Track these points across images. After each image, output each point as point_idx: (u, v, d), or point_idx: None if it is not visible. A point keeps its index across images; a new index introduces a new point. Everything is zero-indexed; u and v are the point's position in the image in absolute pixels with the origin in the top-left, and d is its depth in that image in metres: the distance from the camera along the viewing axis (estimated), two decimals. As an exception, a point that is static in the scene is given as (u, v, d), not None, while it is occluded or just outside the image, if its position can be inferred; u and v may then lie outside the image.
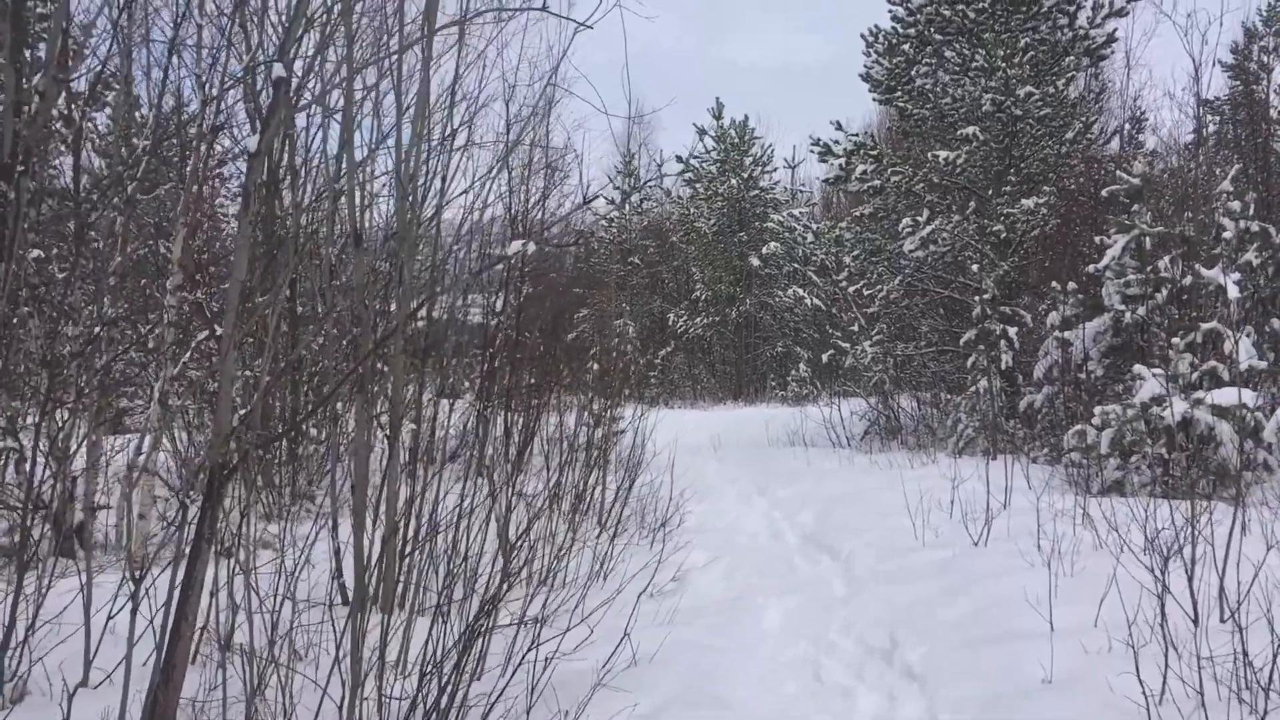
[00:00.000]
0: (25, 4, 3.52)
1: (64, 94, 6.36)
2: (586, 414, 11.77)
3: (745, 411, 24.47)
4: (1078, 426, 10.89)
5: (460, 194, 18.01)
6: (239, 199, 14.76)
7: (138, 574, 4.53)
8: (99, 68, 7.79)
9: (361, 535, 6.59)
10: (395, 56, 6.65)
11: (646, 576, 6.84)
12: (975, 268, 15.80)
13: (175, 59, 8.02)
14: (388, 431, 6.91)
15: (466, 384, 16.31)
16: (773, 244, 32.09)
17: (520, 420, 15.08)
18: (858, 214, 18.92)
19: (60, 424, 7.13)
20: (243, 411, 4.41)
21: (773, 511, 10.89)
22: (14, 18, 3.54)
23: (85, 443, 8.64)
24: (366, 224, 11.91)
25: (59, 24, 3.94)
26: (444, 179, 9.07)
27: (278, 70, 4.63)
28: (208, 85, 8.19)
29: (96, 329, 7.69)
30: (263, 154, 4.60)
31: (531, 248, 4.69)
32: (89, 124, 10.31)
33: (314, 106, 10.54)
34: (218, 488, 4.38)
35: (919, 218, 16.72)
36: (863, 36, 18.04)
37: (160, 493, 8.61)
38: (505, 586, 5.66)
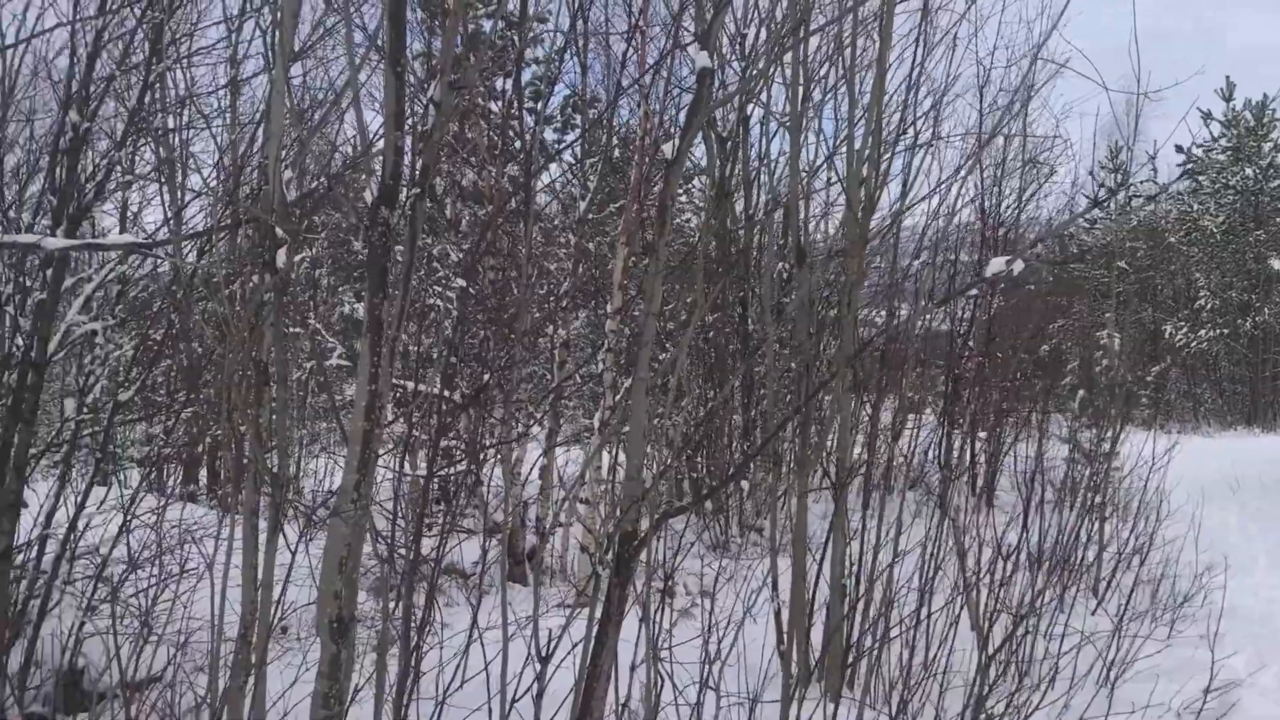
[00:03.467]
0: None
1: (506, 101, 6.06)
2: (1071, 445, 10.05)
3: (1265, 441, 20.67)
4: None
5: (921, 199, 16.59)
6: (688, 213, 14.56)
7: (544, 652, 3.95)
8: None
9: (802, 596, 5.71)
10: (848, 40, 5.69)
11: (1169, 683, 5.29)
12: None
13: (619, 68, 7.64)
14: (828, 466, 6.00)
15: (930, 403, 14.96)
16: (1299, 242, 27.27)
17: (988, 445, 13.58)
18: None
19: (512, 447, 6.99)
20: (656, 471, 3.70)
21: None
22: (393, 14, 2.98)
23: (536, 467, 8.61)
24: (818, 235, 11.10)
25: (457, 19, 3.37)
26: (904, 182, 7.98)
27: (701, 60, 3.86)
28: (653, 95, 7.76)
29: (549, 352, 7.59)
30: (681, 162, 3.85)
31: (1019, 266, 3.54)
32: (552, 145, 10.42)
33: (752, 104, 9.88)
34: (627, 560, 3.67)
35: None
36: None
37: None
38: (984, 688, 4.51)
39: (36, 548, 5.74)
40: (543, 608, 5.82)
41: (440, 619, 4.32)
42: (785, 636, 5.61)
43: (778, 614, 5.74)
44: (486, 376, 5.09)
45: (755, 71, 6.69)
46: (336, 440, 16.23)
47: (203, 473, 12.93)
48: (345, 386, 12.29)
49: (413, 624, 3.86)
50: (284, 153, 4.17)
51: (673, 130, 9.48)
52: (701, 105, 3.78)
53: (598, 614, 3.98)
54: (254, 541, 4.09)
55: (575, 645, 3.86)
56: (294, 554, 3.98)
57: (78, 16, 5.41)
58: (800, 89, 5.85)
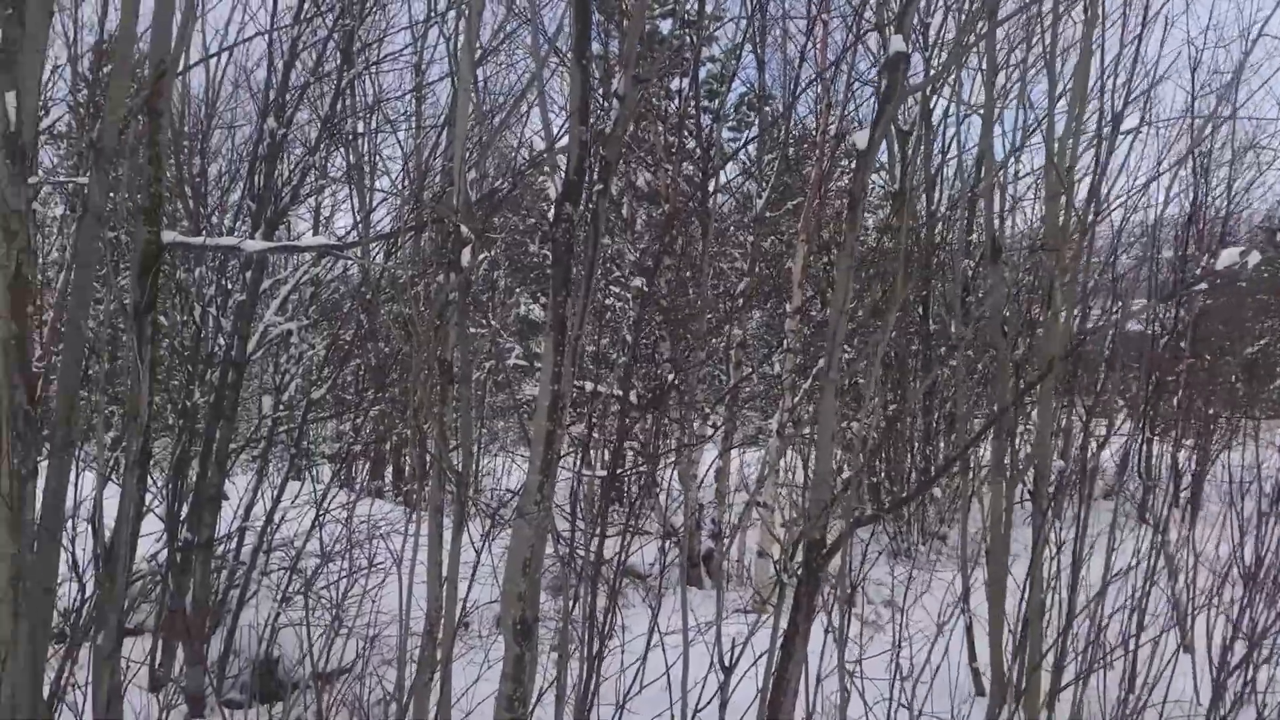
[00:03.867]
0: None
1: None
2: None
3: None
4: None
5: (1137, 190, 15.56)
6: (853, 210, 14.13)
7: (727, 661, 3.82)
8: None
9: (1000, 613, 5.39)
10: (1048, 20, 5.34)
11: None
12: None
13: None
14: (1024, 471, 5.65)
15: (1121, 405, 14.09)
16: None
17: (1194, 453, 12.66)
18: None
19: (687, 447, 6.90)
20: (845, 476, 3.53)
21: None
22: (579, 9, 2.91)
23: (711, 469, 8.49)
24: (1008, 231, 10.57)
25: (642, 8, 3.27)
26: (1106, 172, 7.47)
27: (895, 44, 3.66)
28: (834, 88, 7.53)
29: (725, 352, 7.47)
30: (874, 152, 3.66)
31: (1254, 258, 3.20)
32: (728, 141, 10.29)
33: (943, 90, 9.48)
34: (815, 569, 3.51)
35: None
36: None
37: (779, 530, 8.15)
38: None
39: (236, 539, 5.99)
40: (722, 613, 5.70)
41: (621, 621, 4.25)
42: (980, 654, 5.31)
43: (969, 629, 5.45)
44: (671, 377, 4.99)
45: (943, 59, 6.39)
46: (513, 439, 16.55)
47: (388, 469, 13.38)
48: (522, 386, 12.47)
49: (595, 627, 3.80)
50: (468, 154, 4.18)
51: (852, 125, 9.20)
52: (896, 92, 3.58)
53: (782, 623, 3.83)
54: (438, 539, 4.12)
55: (760, 656, 3.72)
56: (479, 554, 3.98)
57: (275, 26, 5.62)
58: (994, 75, 5.53)
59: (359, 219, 8.41)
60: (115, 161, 4.89)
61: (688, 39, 9.34)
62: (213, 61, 6.32)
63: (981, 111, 6.96)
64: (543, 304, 16.71)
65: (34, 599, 4.15)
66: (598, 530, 4.05)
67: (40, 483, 4.24)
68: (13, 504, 3.86)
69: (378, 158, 10.67)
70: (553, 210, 3.24)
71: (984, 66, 5.68)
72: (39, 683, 4.21)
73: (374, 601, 5.04)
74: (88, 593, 4.98)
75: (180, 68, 4.58)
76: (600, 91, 7.94)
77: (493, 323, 9.91)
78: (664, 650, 4.28)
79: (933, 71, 7.77)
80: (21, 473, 4.01)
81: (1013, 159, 9.45)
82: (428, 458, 4.06)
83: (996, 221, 5.54)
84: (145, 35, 4.48)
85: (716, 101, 10.94)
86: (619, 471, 8.07)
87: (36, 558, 4.17)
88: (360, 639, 5.03)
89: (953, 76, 8.50)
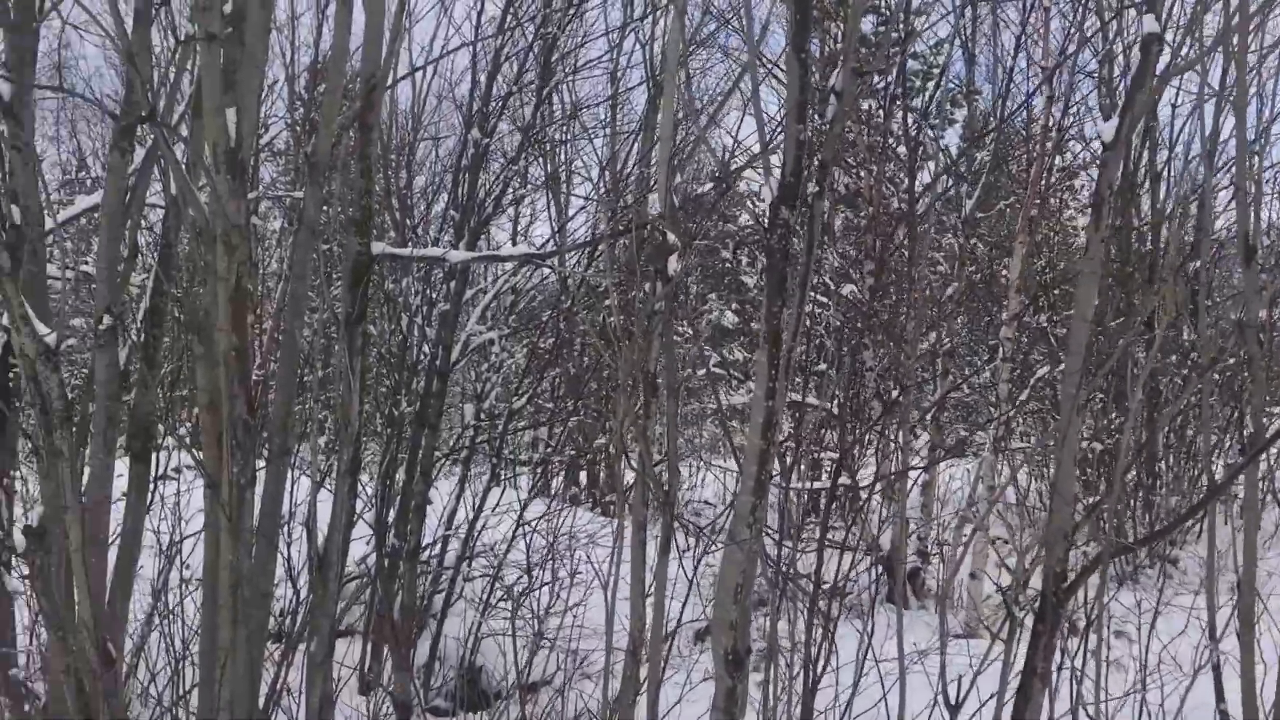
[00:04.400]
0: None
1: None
2: None
3: None
4: None
5: None
6: (1089, 210, 13.33)
7: (954, 699, 3.53)
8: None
9: (1252, 652, 4.85)
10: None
11: None
12: None
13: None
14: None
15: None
16: None
17: None
18: None
19: (895, 462, 6.59)
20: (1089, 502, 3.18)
21: None
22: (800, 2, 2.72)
23: (918, 483, 8.11)
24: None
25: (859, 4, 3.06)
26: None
27: (1147, 24, 3.30)
28: (1058, 80, 7.05)
29: (933, 361, 7.10)
30: (1121, 145, 3.31)
31: None
32: (931, 140, 9.84)
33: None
34: (1055, 605, 3.19)
35: None
36: None
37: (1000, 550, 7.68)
38: None
39: (439, 547, 6.06)
40: (931, 634, 5.37)
41: (834, 647, 4.01)
42: (1229, 695, 4.80)
43: (1217, 669, 4.93)
44: (895, 393, 4.71)
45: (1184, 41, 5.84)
46: (703, 445, 16.45)
47: (582, 475, 13.47)
48: (720, 393, 12.30)
49: (809, 655, 3.58)
50: (673, 159, 4.04)
51: (1068, 119, 8.63)
52: (1148, 77, 3.22)
53: (1013, 659, 3.51)
54: (641, 556, 3.98)
55: (989, 698, 3.42)
56: (693, 575, 3.83)
57: (478, 37, 5.66)
58: (1245, 57, 5.00)
59: (556, 227, 8.44)
60: (328, 175, 5.01)
61: (894, 34, 8.98)
62: (418, 75, 6.45)
63: (1226, 99, 6.35)
64: (735, 309, 16.53)
65: (251, 605, 4.27)
66: (802, 548, 3.84)
67: (258, 490, 4.37)
68: (233, 513, 3.96)
69: (573, 167, 10.73)
70: (766, 215, 3.05)
71: (1234, 48, 5.15)
72: (256, 687, 4.32)
73: (575, 616, 4.98)
74: (301, 595, 5.11)
75: (389, 82, 4.63)
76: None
77: (689, 329, 9.81)
78: (881, 676, 4.03)
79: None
80: (240, 481, 4.12)
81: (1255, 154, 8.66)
82: (630, 472, 3.94)
83: (1251, 219, 5.01)
84: (356, 53, 4.56)
85: (920, 99, 10.51)
86: (817, 485, 7.80)
87: (254, 564, 4.29)
88: (562, 652, 4.98)
89: (1203, 60, 7.79)
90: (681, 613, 4.18)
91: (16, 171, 5.12)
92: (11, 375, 5.49)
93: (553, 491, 9.72)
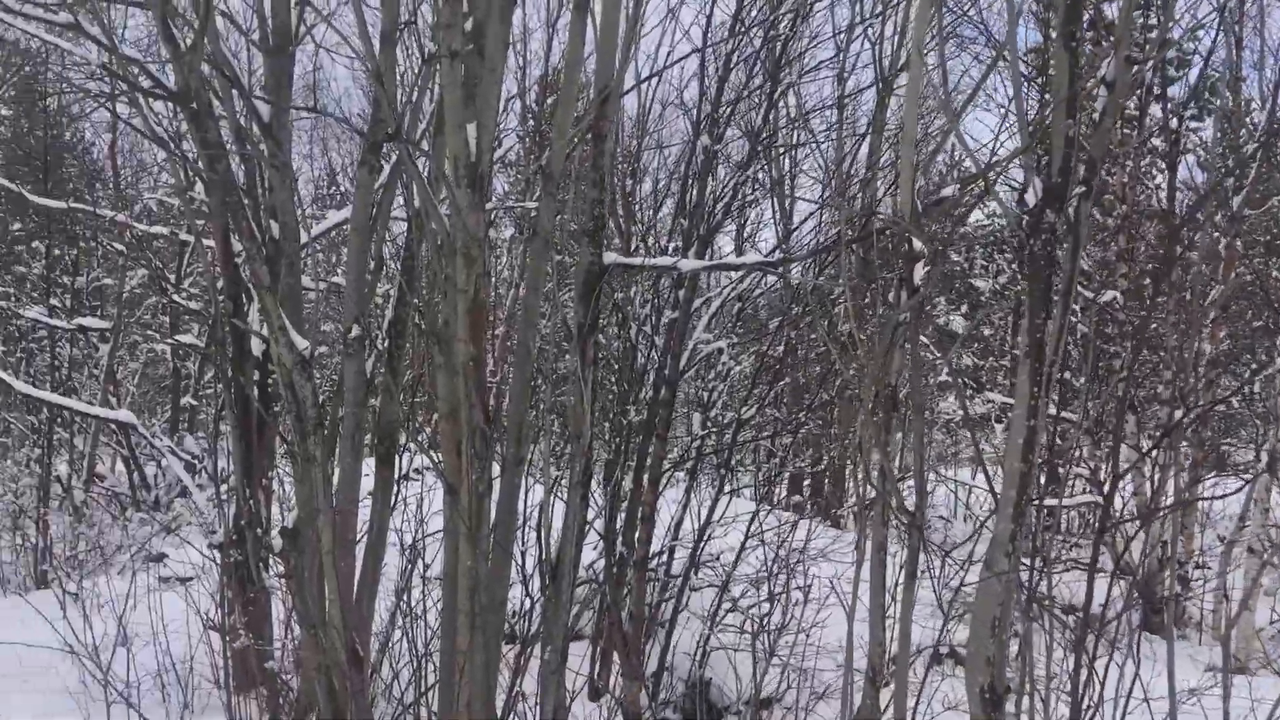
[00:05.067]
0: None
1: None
2: None
3: None
4: None
5: None
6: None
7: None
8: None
9: None
10: None
11: None
12: None
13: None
14: None
15: None
16: None
17: None
18: None
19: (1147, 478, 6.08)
20: None
21: None
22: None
23: (1170, 499, 7.47)
24: None
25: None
26: None
27: None
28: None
29: (1195, 370, 6.52)
30: None
31: None
32: (1188, 132, 9.09)
33: None
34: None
35: None
36: None
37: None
38: None
39: (666, 556, 6.02)
40: (1198, 670, 4.91)
41: (1102, 680, 3.68)
42: None
43: None
44: (1180, 414, 4.32)
45: None
46: (928, 455, 15.85)
47: (804, 485, 13.23)
48: (963, 404, 11.81)
49: (1076, 688, 3.30)
50: (918, 160, 3.84)
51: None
52: None
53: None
54: (881, 578, 3.79)
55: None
56: (939, 597, 3.61)
57: (707, 43, 5.58)
58: None
59: (782, 236, 8.28)
60: (562, 186, 5.05)
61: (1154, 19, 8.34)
62: (643, 84, 6.45)
63: None
64: (964, 314, 15.88)
65: (489, 610, 4.34)
66: (1053, 570, 3.54)
67: (493, 497, 4.45)
68: (473, 521, 4.03)
69: (798, 171, 10.54)
70: (1027, 218, 2.81)
71: None
72: (493, 690, 4.39)
73: (806, 634, 4.82)
74: (533, 597, 5.18)
75: (621, 92, 4.61)
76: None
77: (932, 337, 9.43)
78: (1150, 708, 3.68)
79: None
80: (478, 490, 4.20)
81: None
82: (869, 488, 3.75)
83: None
84: (587, 61, 4.57)
85: (1172, 89, 9.72)
86: (1059, 499, 7.30)
87: (490, 571, 4.36)
88: (794, 670, 4.83)
89: None
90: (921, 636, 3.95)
91: (275, 188, 5.44)
92: (269, 382, 5.85)
93: (775, 502, 9.57)
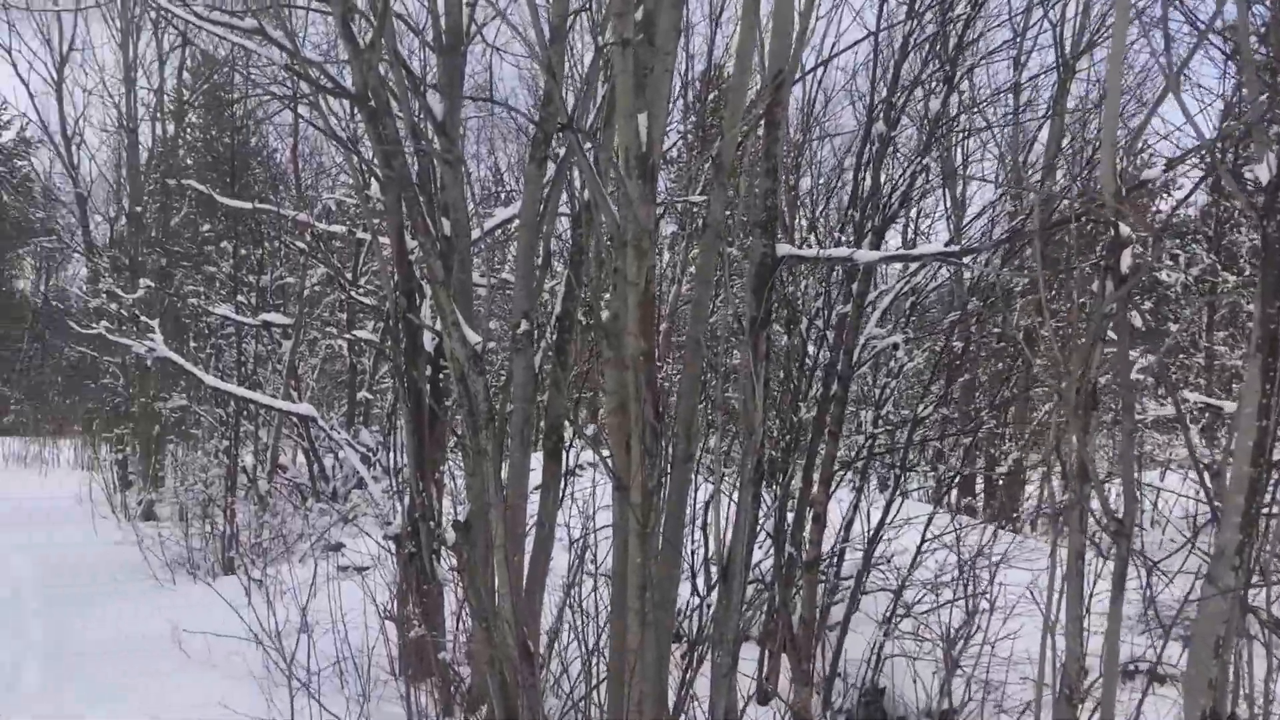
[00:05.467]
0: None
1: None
2: None
3: None
4: None
5: None
6: None
7: None
8: None
9: None
10: None
11: None
12: None
13: None
14: None
15: None
16: None
17: None
18: None
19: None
20: None
21: None
22: None
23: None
24: None
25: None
26: None
27: None
28: None
29: None
30: None
31: None
32: None
33: None
34: None
35: None
36: None
37: None
38: None
39: (837, 559, 5.83)
40: None
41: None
42: None
43: None
44: None
45: None
46: (1110, 455, 15.01)
47: (977, 486, 12.74)
48: (1176, 403, 11.16)
49: None
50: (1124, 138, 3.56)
51: None
52: None
53: None
54: (1078, 589, 3.53)
55: None
56: (1146, 609, 3.34)
57: (880, 27, 5.37)
58: None
59: (955, 225, 7.92)
60: (733, 176, 4.93)
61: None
62: (809, 73, 6.27)
63: None
64: (1147, 310, 15.01)
65: (659, 608, 4.26)
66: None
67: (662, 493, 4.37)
68: (645, 518, 3.95)
69: (972, 160, 10.11)
70: (1263, 198, 2.54)
71: None
72: (664, 687, 4.31)
73: (992, 645, 4.55)
74: (701, 595, 5.09)
75: (795, 78, 4.46)
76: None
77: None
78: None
79: None
80: (648, 486, 4.11)
81: None
82: (1065, 492, 3.50)
83: None
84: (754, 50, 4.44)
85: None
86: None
87: (660, 568, 4.28)
88: (978, 682, 4.58)
89: None
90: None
91: (448, 185, 5.50)
92: (441, 377, 5.93)
93: (949, 505, 9.21)
